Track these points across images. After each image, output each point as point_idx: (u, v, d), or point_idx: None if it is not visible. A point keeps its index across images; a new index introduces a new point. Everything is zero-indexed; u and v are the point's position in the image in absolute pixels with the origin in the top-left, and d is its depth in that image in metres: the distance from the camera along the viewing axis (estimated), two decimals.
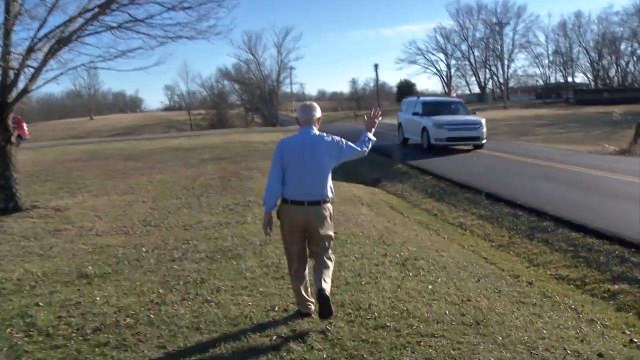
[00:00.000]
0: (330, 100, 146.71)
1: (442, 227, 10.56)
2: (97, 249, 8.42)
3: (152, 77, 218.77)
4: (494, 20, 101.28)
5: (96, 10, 10.86)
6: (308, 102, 5.25)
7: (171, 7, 11.54)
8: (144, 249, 8.32)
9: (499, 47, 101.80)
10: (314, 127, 5.03)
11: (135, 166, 20.40)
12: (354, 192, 14.02)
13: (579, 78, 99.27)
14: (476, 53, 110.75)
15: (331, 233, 5.06)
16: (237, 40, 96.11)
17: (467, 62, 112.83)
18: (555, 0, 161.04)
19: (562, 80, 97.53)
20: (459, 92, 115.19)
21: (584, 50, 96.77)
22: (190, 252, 8.00)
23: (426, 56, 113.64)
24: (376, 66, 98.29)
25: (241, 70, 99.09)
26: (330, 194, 4.97)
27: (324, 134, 5.04)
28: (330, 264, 5.02)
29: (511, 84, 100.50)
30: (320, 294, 4.66)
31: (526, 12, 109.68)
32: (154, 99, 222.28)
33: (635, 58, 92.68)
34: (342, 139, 5.07)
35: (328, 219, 4.94)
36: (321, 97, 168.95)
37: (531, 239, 9.06)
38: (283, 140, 5.09)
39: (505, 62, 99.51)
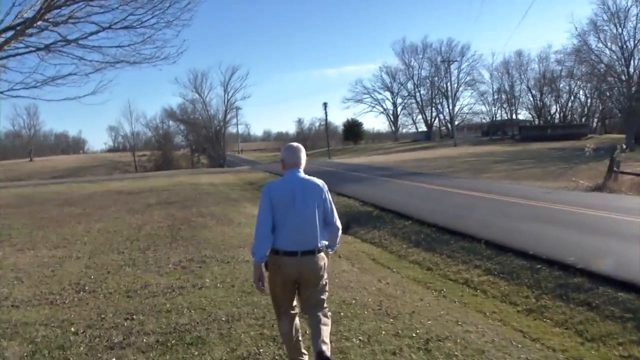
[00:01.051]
0: (276, 141, 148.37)
1: (444, 285, 8.82)
2: (8, 330, 6.36)
3: (95, 118, 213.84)
4: (439, 59, 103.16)
5: (18, 28, 8.83)
6: (294, 144, 4.81)
7: (109, 27, 9.60)
8: (72, 329, 6.37)
9: (445, 85, 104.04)
10: (301, 170, 4.65)
11: (72, 212, 18.16)
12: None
13: (522, 115, 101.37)
14: (422, 91, 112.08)
15: (326, 285, 4.69)
16: (182, 79, 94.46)
17: (413, 101, 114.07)
18: (498, 39, 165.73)
19: (506, 117, 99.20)
20: (405, 130, 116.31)
21: (527, 88, 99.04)
22: (135, 333, 6.07)
23: (372, 95, 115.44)
24: (325, 105, 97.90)
25: (187, 110, 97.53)
26: (324, 242, 4.57)
27: (312, 178, 4.65)
28: (328, 321, 4.64)
29: (457, 121, 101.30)
30: (321, 357, 4.28)
31: (470, 51, 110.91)
32: (98, 140, 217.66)
33: (573, 96, 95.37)
34: (331, 200, 4.69)
35: (323, 270, 4.57)
36: (267, 137, 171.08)
37: (566, 301, 7.34)
38: (270, 184, 4.61)
39: (451, 100, 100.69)
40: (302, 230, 4.42)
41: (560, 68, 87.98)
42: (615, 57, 60.79)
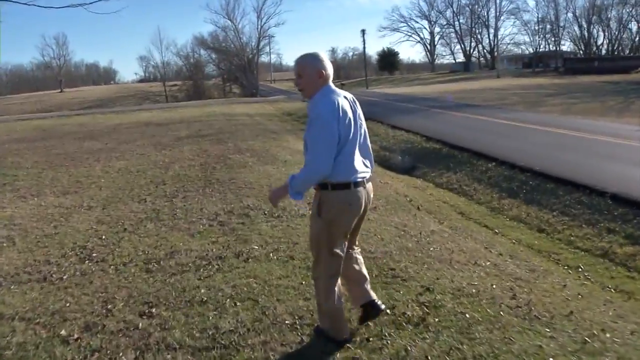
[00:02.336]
0: None
1: (578, 259, 6.47)
2: None
3: (126, 48, 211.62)
4: None
5: None
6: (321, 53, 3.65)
7: None
8: (62, 332, 4.28)
9: (486, 14, 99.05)
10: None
11: (91, 148, 16.04)
12: (395, 188, 9.89)
13: (565, 46, 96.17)
14: (461, 20, 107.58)
15: None
16: (214, 5, 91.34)
17: (451, 30, 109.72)
18: None
19: (548, 49, 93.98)
20: (442, 61, 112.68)
21: (573, 17, 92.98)
22: (153, 347, 3.88)
23: (409, 23, 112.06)
24: (363, 32, 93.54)
25: (218, 38, 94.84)
26: None
27: None
28: None
29: (496, 52, 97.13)
30: (377, 309, 3.99)
31: None
32: (129, 71, 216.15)
33: (622, 27, 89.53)
34: None
35: None
36: None
37: None
38: (329, 107, 3.43)
39: (492, 29, 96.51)
40: (366, 154, 3.74)
41: None
42: None
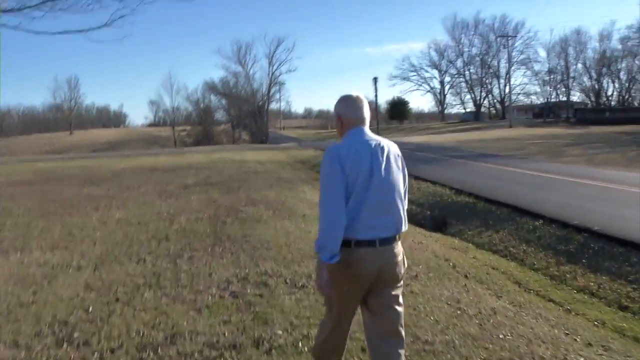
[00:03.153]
0: (317, 118, 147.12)
1: None
2: None
3: (136, 92, 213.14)
4: (492, 35, 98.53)
5: None
6: (354, 93, 3.39)
7: None
8: None
9: (496, 64, 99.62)
10: (367, 129, 3.32)
11: (91, 194, 14.80)
12: (433, 249, 8.59)
13: (574, 97, 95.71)
14: (472, 70, 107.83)
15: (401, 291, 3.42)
16: (225, 51, 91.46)
17: (462, 79, 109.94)
18: (555, 15, 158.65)
19: (557, 99, 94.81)
20: (452, 111, 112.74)
21: (583, 68, 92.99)
22: None
23: (419, 73, 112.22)
24: (375, 80, 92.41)
25: (229, 84, 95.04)
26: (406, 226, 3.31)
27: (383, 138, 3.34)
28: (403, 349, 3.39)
29: (507, 102, 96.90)
30: None
31: (524, 27, 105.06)
32: (139, 114, 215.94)
33: (632, 78, 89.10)
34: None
35: (404, 261, 3.37)
36: (307, 114, 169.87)
37: None
38: (336, 147, 3.18)
39: (503, 79, 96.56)
40: (387, 210, 3.15)
41: (622, 47, 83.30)
42: None
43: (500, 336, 4.85)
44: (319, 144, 50.71)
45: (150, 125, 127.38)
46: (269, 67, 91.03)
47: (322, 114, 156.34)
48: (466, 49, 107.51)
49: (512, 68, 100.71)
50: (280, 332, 4.86)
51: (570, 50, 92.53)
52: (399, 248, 3.29)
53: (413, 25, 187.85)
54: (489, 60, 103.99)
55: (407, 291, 6.09)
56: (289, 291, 6.09)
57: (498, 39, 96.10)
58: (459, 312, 5.51)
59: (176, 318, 5.28)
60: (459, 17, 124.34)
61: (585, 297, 6.73)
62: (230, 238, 8.83)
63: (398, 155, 3.36)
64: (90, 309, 5.62)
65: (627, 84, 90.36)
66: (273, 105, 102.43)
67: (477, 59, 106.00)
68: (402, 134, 75.47)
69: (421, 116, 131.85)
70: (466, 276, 7.12)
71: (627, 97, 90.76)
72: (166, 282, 6.53)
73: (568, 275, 7.51)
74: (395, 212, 3.24)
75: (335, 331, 3.42)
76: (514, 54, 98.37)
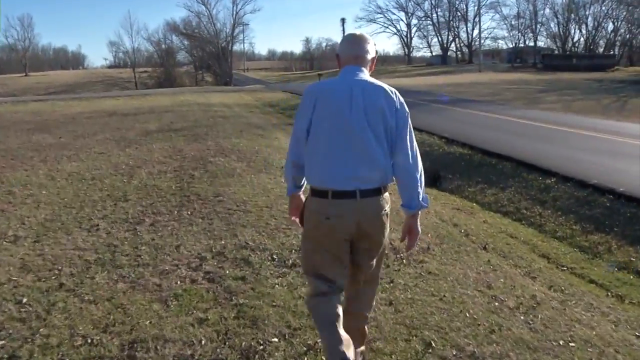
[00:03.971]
0: (281, 60, 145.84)
1: None
2: None
3: (95, 32, 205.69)
4: None
5: None
6: (357, 32, 3.13)
7: None
8: None
9: (464, 7, 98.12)
10: (365, 71, 3.00)
11: (40, 143, 13.23)
12: (435, 211, 7.45)
13: (541, 43, 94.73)
14: (439, 12, 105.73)
15: (387, 245, 3.13)
16: None
17: (429, 22, 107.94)
18: None
19: (525, 44, 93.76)
20: (418, 54, 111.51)
21: (552, 14, 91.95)
22: None
23: (386, 15, 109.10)
24: (343, 20, 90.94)
25: (191, 24, 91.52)
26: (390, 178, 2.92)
27: (381, 82, 2.94)
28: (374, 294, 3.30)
29: (475, 46, 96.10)
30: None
31: None
32: (98, 56, 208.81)
33: (598, 25, 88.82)
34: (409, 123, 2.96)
35: (387, 221, 2.94)
36: (271, 56, 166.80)
37: None
38: (316, 84, 3.04)
39: (470, 24, 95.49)
40: (361, 158, 2.79)
41: None
42: None
43: (561, 343, 3.75)
44: (286, 86, 49.14)
45: (110, 66, 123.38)
46: (233, 7, 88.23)
47: (285, 56, 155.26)
48: None
49: (481, 12, 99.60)
50: (275, 339, 3.66)
51: None
52: (383, 201, 2.90)
53: None
54: (457, 3, 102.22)
55: (424, 271, 4.99)
56: (278, 272, 4.88)
57: None
58: (496, 303, 4.38)
59: (136, 315, 4.04)
60: None
61: (632, 277, 5.64)
62: (200, 197, 7.53)
63: (393, 99, 2.91)
64: (25, 300, 4.33)
65: (593, 31, 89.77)
66: (236, 47, 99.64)
67: (445, 1, 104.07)
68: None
69: (386, 59, 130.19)
70: (485, 248, 6.00)
71: (592, 44, 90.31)
72: (123, 258, 5.25)
73: (600, 247, 6.46)
74: (378, 162, 2.83)
75: (320, 292, 2.93)
76: None
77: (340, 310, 2.87)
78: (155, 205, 7.16)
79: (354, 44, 3.07)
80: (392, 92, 2.95)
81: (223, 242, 5.65)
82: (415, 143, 2.98)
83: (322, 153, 2.84)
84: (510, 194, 8.79)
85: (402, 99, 2.97)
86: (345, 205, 2.80)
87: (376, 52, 3.14)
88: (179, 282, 4.66)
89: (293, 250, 5.38)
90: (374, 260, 3.07)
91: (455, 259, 5.45)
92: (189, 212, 6.80)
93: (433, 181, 10.25)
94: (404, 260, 5.27)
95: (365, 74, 2.99)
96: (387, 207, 2.93)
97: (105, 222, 6.44)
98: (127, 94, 38.63)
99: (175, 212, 6.84)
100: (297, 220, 3.16)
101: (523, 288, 4.81)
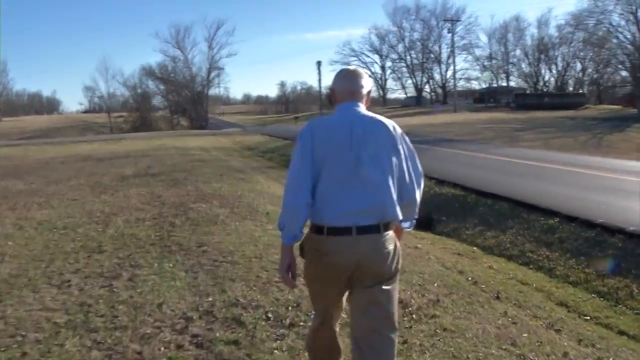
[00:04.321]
0: (256, 104, 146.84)
1: None
2: None
3: (70, 77, 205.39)
4: (434, 20, 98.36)
5: None
6: (351, 67, 3.16)
7: None
8: None
9: (438, 49, 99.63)
10: (362, 105, 2.94)
11: (10, 189, 12.54)
12: (436, 257, 6.95)
13: (512, 82, 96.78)
14: (413, 55, 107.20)
15: (397, 287, 2.93)
16: (163, 34, 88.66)
17: (403, 64, 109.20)
18: (496, 1, 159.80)
19: (496, 85, 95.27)
20: (395, 95, 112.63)
21: (523, 55, 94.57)
22: None
23: (360, 58, 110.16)
24: (319, 63, 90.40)
25: (167, 69, 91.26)
26: (399, 215, 2.80)
27: (379, 116, 2.90)
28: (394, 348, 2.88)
29: (449, 87, 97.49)
30: None
31: (465, 13, 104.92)
32: (73, 101, 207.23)
33: (567, 65, 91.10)
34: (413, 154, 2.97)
35: (394, 258, 2.82)
36: (247, 100, 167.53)
37: None
38: (313, 122, 2.92)
39: (444, 65, 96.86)
40: (364, 196, 2.69)
41: (558, 34, 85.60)
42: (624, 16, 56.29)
43: None
44: (264, 129, 48.82)
45: (86, 111, 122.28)
46: (209, 51, 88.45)
47: (261, 100, 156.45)
48: (407, 34, 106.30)
49: (455, 53, 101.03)
50: None
51: (510, 37, 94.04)
52: (385, 239, 2.77)
53: (353, 11, 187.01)
54: (430, 45, 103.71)
55: (439, 327, 4.46)
56: (276, 334, 4.30)
57: (440, 24, 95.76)
58: None
59: None
60: (400, 1, 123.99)
61: None
62: (182, 248, 6.92)
63: (392, 134, 2.87)
64: None
65: (562, 71, 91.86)
66: (212, 91, 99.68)
67: (419, 43, 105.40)
68: None
69: None
70: (498, 297, 5.47)
71: (562, 83, 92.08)
72: (98, 320, 4.63)
73: (621, 293, 5.96)
74: (377, 196, 2.74)
75: (320, 326, 3.05)
76: (455, 39, 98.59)
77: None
78: (133, 257, 6.54)
79: (349, 79, 3.01)
80: (390, 125, 2.90)
81: (211, 299, 5.05)
82: (419, 168, 2.99)
83: (321, 189, 2.75)
84: (512, 236, 8.32)
85: (400, 130, 2.93)
86: (340, 241, 2.71)
87: (371, 85, 3.09)
88: (162, 349, 4.05)
89: (290, 307, 4.81)
90: (387, 288, 2.83)
91: (469, 312, 4.91)
92: (170, 265, 6.19)
93: (426, 225, 9.74)
94: (414, 316, 4.73)
95: (363, 109, 2.93)
96: (391, 247, 2.80)
97: (77, 277, 5.81)
98: (102, 138, 37.94)
99: (156, 264, 6.22)
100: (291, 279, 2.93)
101: (551, 344, 4.28)
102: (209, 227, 8.01)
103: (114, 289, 5.40)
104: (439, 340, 4.24)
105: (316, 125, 2.87)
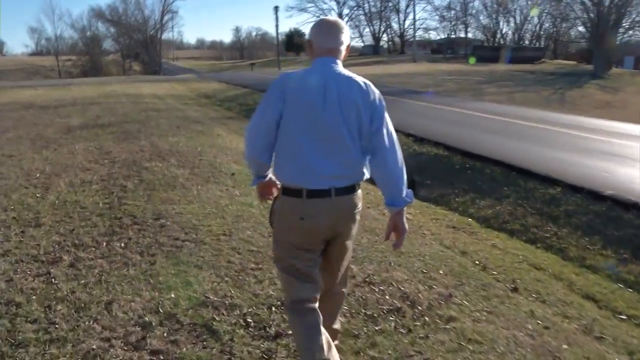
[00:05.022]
0: (210, 49, 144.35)
1: None
2: None
3: (13, 17, 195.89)
4: None
5: None
6: (331, 19, 2.97)
7: None
8: None
9: None
10: (339, 62, 2.80)
11: None
12: (432, 232, 6.06)
13: (470, 34, 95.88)
14: (371, 3, 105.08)
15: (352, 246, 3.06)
16: None
17: (361, 12, 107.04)
18: None
19: (456, 36, 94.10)
20: (352, 43, 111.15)
21: (483, 6, 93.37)
22: None
23: (317, 4, 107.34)
24: (276, 9, 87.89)
25: (117, 11, 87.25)
26: (367, 174, 2.80)
27: (356, 75, 2.76)
28: (342, 301, 3.25)
29: (408, 37, 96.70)
30: None
31: None
32: (18, 42, 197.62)
33: (524, 19, 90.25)
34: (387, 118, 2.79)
35: (358, 221, 2.91)
36: (200, 45, 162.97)
37: None
38: (288, 74, 2.78)
39: (402, 14, 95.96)
40: (336, 155, 2.66)
41: None
42: None
43: None
44: (220, 75, 47.15)
45: (32, 54, 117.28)
46: None
47: (215, 45, 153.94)
48: None
49: (412, 2, 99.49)
50: None
51: None
52: (357, 198, 2.79)
53: None
54: None
55: (460, 336, 3.69)
56: (259, 349, 3.39)
57: None
58: None
59: None
60: None
61: None
62: (135, 220, 5.86)
63: (367, 93, 2.71)
64: None
65: (520, 24, 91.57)
66: (165, 35, 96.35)
67: None
68: (299, 66, 73.12)
69: None
70: (515, 288, 4.62)
71: (519, 37, 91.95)
72: (29, 328, 3.59)
73: None
74: (350, 160, 2.70)
75: (296, 288, 2.83)
76: None
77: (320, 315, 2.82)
78: (76, 233, 5.46)
79: (329, 35, 2.84)
80: (366, 84, 2.76)
81: (173, 296, 4.06)
82: (394, 136, 2.80)
83: (294, 149, 2.67)
84: (510, 207, 7.45)
85: (377, 91, 2.78)
86: (320, 204, 2.68)
87: (350, 38, 2.92)
88: None
89: (273, 309, 3.86)
90: (343, 263, 2.99)
91: (490, 311, 4.05)
92: (122, 245, 5.13)
93: (408, 188, 8.85)
94: (427, 318, 3.84)
95: (339, 66, 2.79)
96: (360, 205, 2.84)
97: (6, 263, 4.72)
98: (49, 84, 35.68)
99: (104, 243, 5.16)
100: (272, 196, 2.96)
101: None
102: (167, 193, 6.94)
103: (52, 280, 4.35)
104: (465, 357, 3.36)
105: (289, 80, 2.73)
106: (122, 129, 12.70)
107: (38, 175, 8.00)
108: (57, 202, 6.58)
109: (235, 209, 6.25)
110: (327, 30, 2.85)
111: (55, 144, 10.70)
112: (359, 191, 2.81)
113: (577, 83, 33.62)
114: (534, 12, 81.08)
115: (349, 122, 2.67)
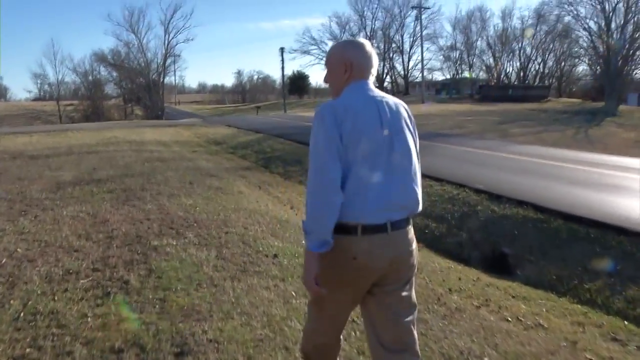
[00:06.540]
0: (212, 93, 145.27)
1: None
2: None
3: (17, 63, 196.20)
4: (396, 9, 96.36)
5: None
6: (363, 39, 2.68)
7: None
8: None
9: (399, 38, 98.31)
10: (371, 84, 2.62)
11: None
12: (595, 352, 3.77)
13: (474, 74, 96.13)
14: (375, 44, 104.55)
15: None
16: (116, 16, 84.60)
17: None
18: None
19: (460, 76, 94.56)
20: None
21: (486, 46, 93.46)
22: None
23: (320, 46, 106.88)
24: (282, 50, 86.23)
25: (120, 55, 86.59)
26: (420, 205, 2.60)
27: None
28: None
29: (412, 78, 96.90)
30: None
31: (429, 1, 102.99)
32: (22, 88, 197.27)
33: (529, 58, 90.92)
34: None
35: (417, 253, 2.64)
36: (202, 89, 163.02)
37: None
38: (333, 105, 2.41)
39: (406, 55, 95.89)
40: (402, 187, 2.44)
41: (521, 26, 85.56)
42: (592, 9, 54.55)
43: None
44: (226, 119, 45.39)
45: (36, 99, 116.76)
46: (165, 36, 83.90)
47: (216, 89, 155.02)
48: (369, 22, 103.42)
49: (418, 42, 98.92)
50: None
51: (473, 27, 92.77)
52: (412, 233, 2.57)
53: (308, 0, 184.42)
54: (392, 34, 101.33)
55: None
56: None
57: (403, 12, 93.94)
58: None
59: None
60: None
61: None
62: (144, 359, 3.59)
63: (409, 115, 2.62)
64: None
65: (524, 63, 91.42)
66: (167, 79, 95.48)
67: (381, 32, 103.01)
68: (304, 108, 72.20)
69: (320, 91, 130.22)
70: None
71: (524, 75, 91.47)
72: None
73: None
74: (410, 189, 2.48)
75: (326, 335, 2.67)
76: (418, 28, 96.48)
77: None
78: None
79: (372, 56, 2.63)
80: (406, 106, 2.66)
81: None
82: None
83: (352, 181, 2.33)
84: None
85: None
86: (377, 240, 2.38)
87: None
88: None
89: None
90: (411, 288, 2.60)
91: None
92: None
93: (499, 264, 6.61)
94: None
95: (375, 89, 2.57)
96: (415, 241, 2.58)
97: None
98: (46, 129, 33.56)
99: None
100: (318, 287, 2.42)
101: None
102: (190, 296, 4.67)
103: None
104: None
105: (340, 113, 2.36)
106: (122, 185, 10.46)
107: (4, 261, 5.71)
108: (21, 314, 4.30)
109: (299, 327, 4.01)
110: (369, 51, 2.62)
111: (38, 207, 8.45)
112: (411, 224, 2.55)
113: (594, 121, 33.33)
114: (529, 33, 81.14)
115: (406, 146, 2.47)
